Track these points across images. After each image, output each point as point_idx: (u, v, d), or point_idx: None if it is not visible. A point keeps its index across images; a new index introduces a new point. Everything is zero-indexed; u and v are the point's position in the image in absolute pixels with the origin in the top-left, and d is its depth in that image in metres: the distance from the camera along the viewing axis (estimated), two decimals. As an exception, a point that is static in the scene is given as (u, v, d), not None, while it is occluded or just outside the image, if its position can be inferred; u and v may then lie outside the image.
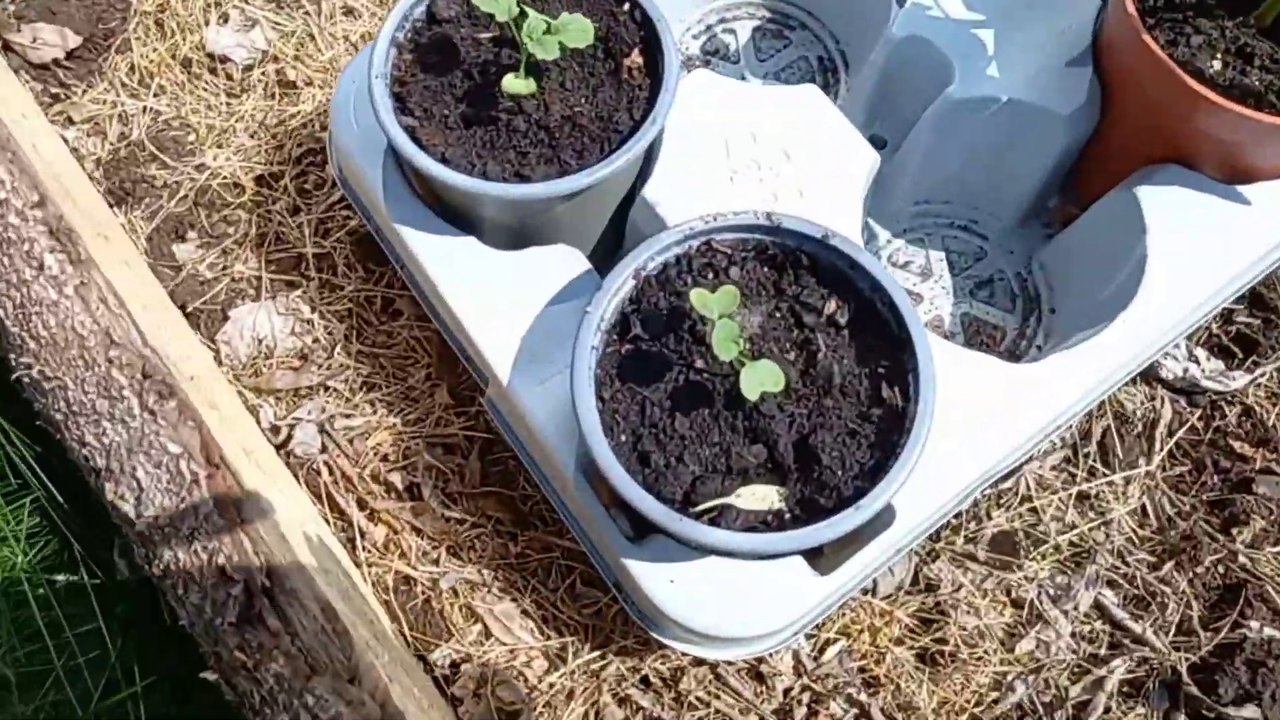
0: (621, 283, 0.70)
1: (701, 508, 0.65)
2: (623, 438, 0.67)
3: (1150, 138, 0.81)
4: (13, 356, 0.71)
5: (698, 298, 0.65)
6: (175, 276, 0.94)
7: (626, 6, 0.78)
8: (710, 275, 0.72)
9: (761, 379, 0.64)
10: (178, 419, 0.66)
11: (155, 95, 1.01)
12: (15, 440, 0.82)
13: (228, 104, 1.01)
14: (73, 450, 0.65)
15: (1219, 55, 0.79)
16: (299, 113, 0.99)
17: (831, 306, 0.70)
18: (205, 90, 1.01)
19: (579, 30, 0.72)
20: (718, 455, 0.67)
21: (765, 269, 0.72)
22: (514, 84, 0.72)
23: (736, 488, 0.67)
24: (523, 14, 0.71)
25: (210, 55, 1.02)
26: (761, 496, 0.67)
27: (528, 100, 0.74)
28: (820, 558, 0.72)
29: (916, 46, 0.84)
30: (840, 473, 0.66)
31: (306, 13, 1.04)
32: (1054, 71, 0.83)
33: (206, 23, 1.03)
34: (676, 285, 0.71)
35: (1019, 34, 0.84)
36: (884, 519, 0.71)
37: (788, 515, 0.66)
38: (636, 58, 0.77)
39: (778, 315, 0.70)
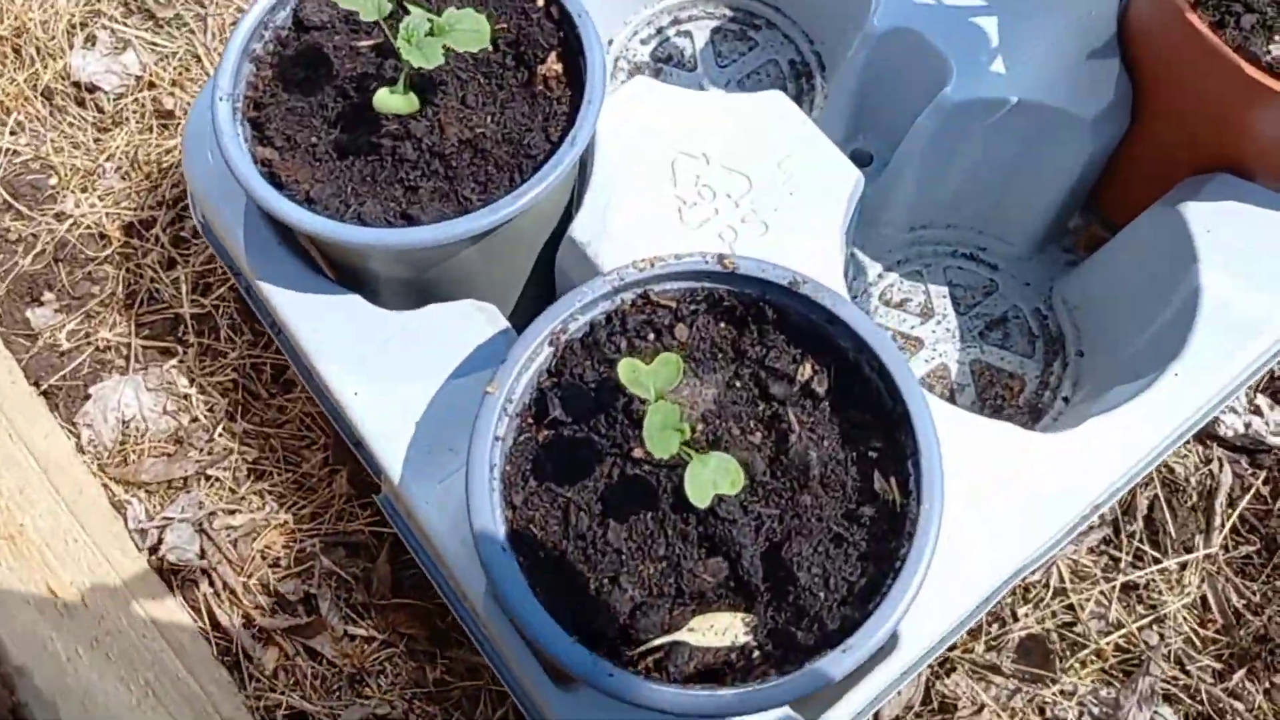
0: (534, 350, 0.54)
1: (644, 647, 0.49)
2: (539, 554, 0.52)
3: (1196, 141, 0.66)
4: None
5: (627, 371, 0.50)
6: (30, 347, 0.78)
7: (540, 2, 0.63)
8: (650, 336, 0.56)
9: (715, 478, 0.48)
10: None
11: (12, 133, 0.86)
12: None
13: (96, 140, 0.86)
14: None
15: (1278, 38, 0.64)
16: (177, 146, 0.84)
17: (806, 372, 0.55)
18: (71, 125, 0.86)
19: (471, 31, 0.56)
20: (665, 574, 0.51)
21: (720, 325, 0.56)
22: (389, 100, 0.57)
23: (689, 617, 0.51)
24: (401, 11, 0.56)
25: (76, 84, 0.87)
26: (722, 628, 0.51)
27: (415, 122, 0.59)
28: (804, 701, 0.56)
29: (904, 40, 0.69)
30: (823, 595, 0.50)
31: (190, 30, 0.90)
32: (1073, 66, 0.68)
33: (71, 46, 0.88)
34: (606, 351, 0.55)
35: (1028, 22, 0.69)
36: (884, 646, 0.55)
37: (756, 652, 0.50)
38: (554, 64, 0.62)
39: (737, 385, 0.55)
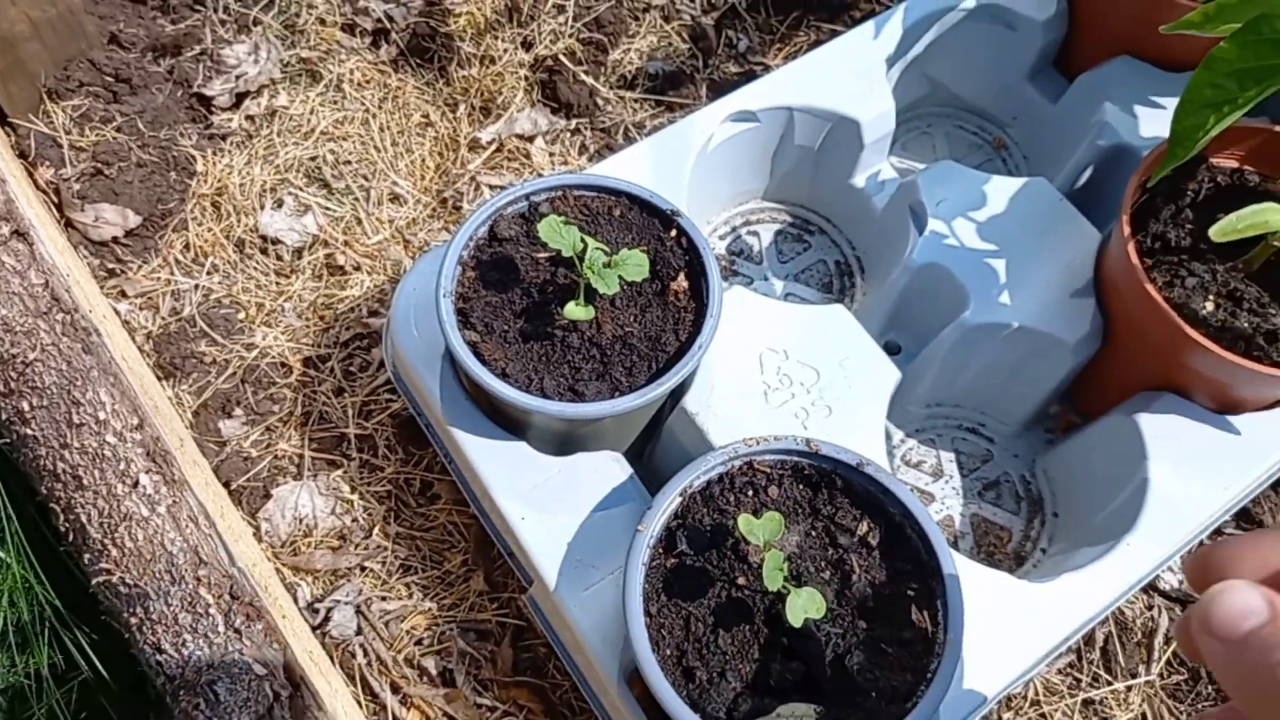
0: (670, 500, 0.74)
1: None
2: (668, 651, 0.71)
3: (1148, 368, 0.88)
4: (88, 558, 0.74)
5: (745, 524, 0.70)
6: (220, 452, 0.97)
7: (674, 233, 0.85)
8: (750, 493, 0.76)
9: (805, 606, 0.68)
10: (263, 640, 0.68)
11: (208, 273, 1.06)
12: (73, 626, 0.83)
13: (277, 284, 1.06)
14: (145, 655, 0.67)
15: (1211, 297, 0.87)
16: (347, 296, 1.05)
17: (864, 528, 0.75)
18: (256, 270, 1.07)
19: (636, 265, 0.78)
20: (759, 672, 0.71)
21: (801, 487, 0.77)
22: (575, 311, 0.78)
23: (775, 707, 0.70)
24: (585, 246, 0.78)
25: (263, 237, 1.08)
26: (800, 714, 0.71)
27: (584, 322, 0.80)
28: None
29: (936, 273, 0.91)
30: (874, 694, 0.70)
31: (355, 199, 1.11)
32: (1061, 301, 0.90)
33: (261, 206, 1.09)
34: (719, 502, 0.75)
35: (1028, 265, 0.91)
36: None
37: None
38: (682, 282, 0.84)
39: (813, 534, 0.75)
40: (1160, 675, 0.91)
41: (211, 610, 0.68)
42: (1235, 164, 0.91)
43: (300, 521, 0.95)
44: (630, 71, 1.21)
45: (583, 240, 0.78)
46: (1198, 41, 0.77)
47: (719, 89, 1.19)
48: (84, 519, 0.72)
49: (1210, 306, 0.86)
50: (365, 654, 0.90)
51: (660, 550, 0.74)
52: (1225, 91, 0.70)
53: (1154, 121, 0.98)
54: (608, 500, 0.81)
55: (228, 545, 0.73)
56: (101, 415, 0.73)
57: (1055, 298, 0.90)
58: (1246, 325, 0.85)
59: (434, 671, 0.90)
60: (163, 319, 1.03)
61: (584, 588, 0.78)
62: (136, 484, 0.72)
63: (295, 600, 0.91)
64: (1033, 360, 0.92)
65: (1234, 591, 0.41)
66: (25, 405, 0.75)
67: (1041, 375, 0.93)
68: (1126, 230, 0.84)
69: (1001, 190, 0.94)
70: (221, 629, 0.68)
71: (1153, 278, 0.85)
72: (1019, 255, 0.92)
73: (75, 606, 0.83)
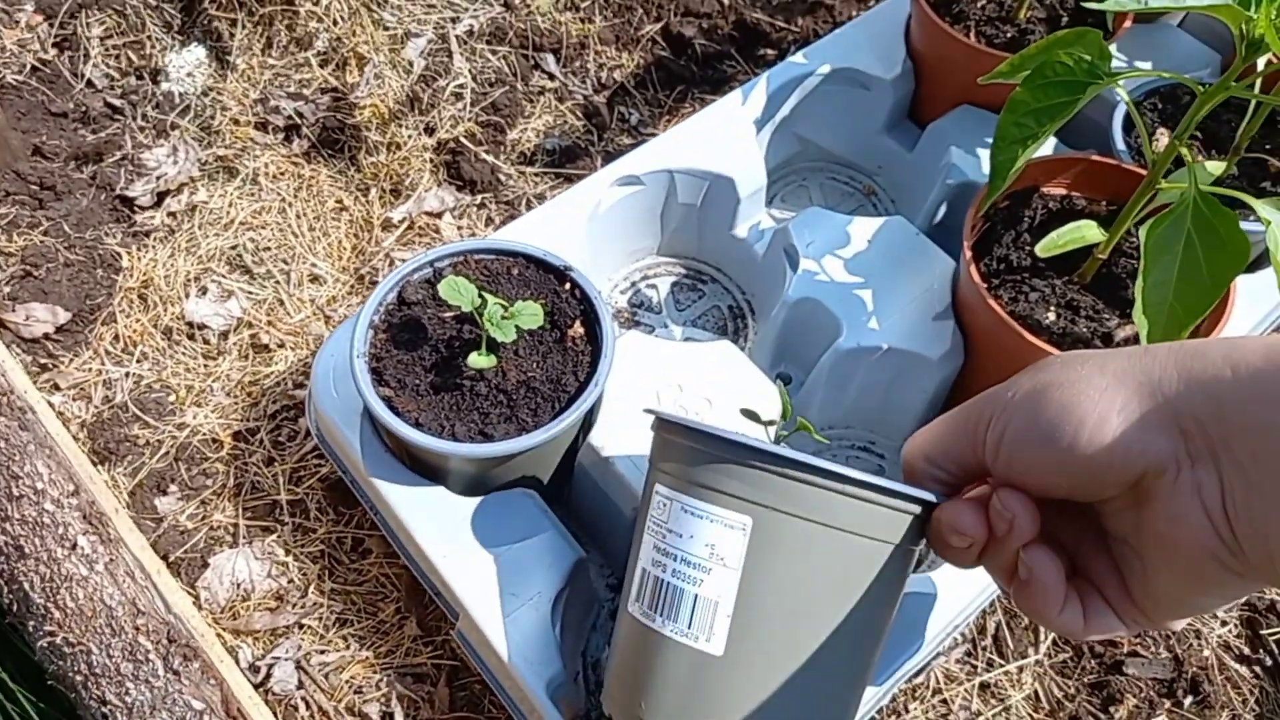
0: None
1: None
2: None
3: (1006, 375, 0.98)
4: (32, 624, 0.78)
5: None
6: (157, 528, 1.02)
7: (568, 286, 0.94)
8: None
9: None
10: (200, 678, 0.73)
11: (138, 361, 1.12)
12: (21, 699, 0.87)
13: (205, 366, 1.12)
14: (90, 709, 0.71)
15: (1053, 308, 0.97)
16: (273, 372, 1.11)
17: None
18: (184, 354, 1.13)
19: (531, 315, 0.86)
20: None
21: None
22: (478, 360, 0.85)
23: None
24: (483, 302, 0.86)
25: (189, 323, 1.14)
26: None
27: (489, 370, 0.88)
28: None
29: (810, 306, 1.01)
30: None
31: (277, 281, 1.18)
32: (924, 323, 1.00)
33: (186, 295, 1.15)
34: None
35: (893, 293, 1.01)
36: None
37: None
38: (579, 328, 0.92)
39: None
40: (1048, 655, 0.99)
41: (151, 655, 0.73)
42: (1064, 191, 1.03)
43: (238, 586, 0.99)
44: (529, 149, 1.31)
45: (481, 296, 0.86)
46: (1012, 88, 0.89)
47: (614, 159, 1.30)
48: (27, 587, 0.77)
49: (1052, 316, 0.97)
50: (308, 706, 0.94)
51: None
52: (1027, 129, 0.81)
53: (994, 159, 1.10)
54: (522, 532, 0.88)
55: (164, 595, 0.78)
56: (39, 485, 0.78)
57: (919, 320, 1.00)
58: (1085, 330, 0.95)
59: (375, 717, 0.94)
60: (96, 407, 1.08)
61: (505, 615, 0.84)
62: (75, 546, 0.77)
63: (237, 661, 0.96)
64: (904, 378, 1.01)
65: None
66: (-34, 486, 0.79)
67: (914, 391, 1.03)
68: (969, 255, 0.95)
69: (864, 229, 1.05)
70: (161, 672, 0.72)
71: (998, 295, 0.96)
72: (883, 285, 1.02)
73: (22, 677, 0.86)
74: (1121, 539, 0.51)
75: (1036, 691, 0.97)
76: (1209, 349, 0.45)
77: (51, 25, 1.35)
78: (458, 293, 0.85)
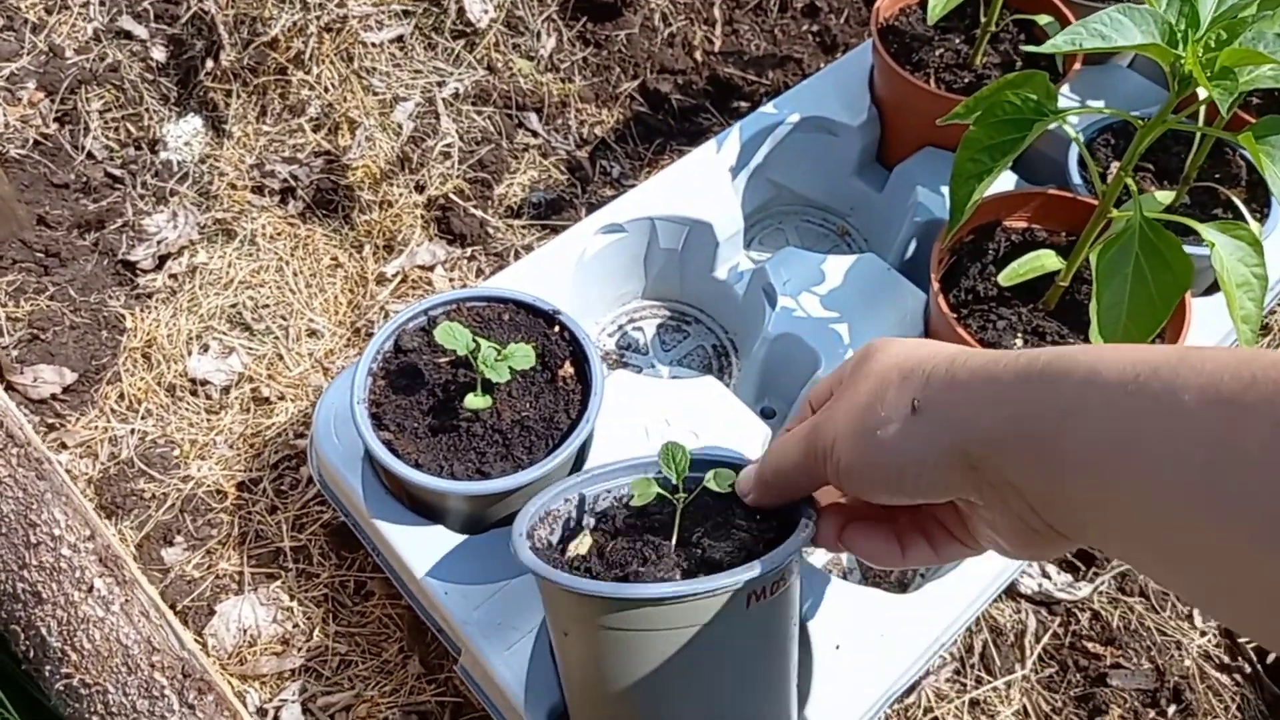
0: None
1: None
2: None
3: (978, 400, 1.03)
4: (49, 669, 0.80)
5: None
6: (164, 578, 1.05)
7: (557, 329, 0.98)
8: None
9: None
10: (215, 710, 0.76)
11: (142, 418, 1.15)
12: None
13: (208, 420, 1.16)
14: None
15: (1020, 335, 1.02)
16: (274, 424, 1.15)
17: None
18: (187, 410, 1.16)
19: (523, 356, 0.90)
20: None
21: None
22: (474, 401, 0.89)
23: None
24: (477, 345, 0.90)
25: (192, 380, 1.18)
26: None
27: (484, 411, 0.92)
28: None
29: (789, 341, 1.05)
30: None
31: (276, 337, 1.22)
32: (897, 353, 1.04)
33: (189, 353, 1.19)
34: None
35: (866, 325, 1.06)
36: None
37: None
38: (569, 368, 0.96)
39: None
40: (1034, 670, 1.02)
41: (166, 691, 0.76)
42: (1025, 224, 1.08)
43: (244, 632, 1.02)
44: (515, 203, 1.36)
45: (475, 340, 0.90)
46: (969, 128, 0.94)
47: (597, 210, 1.35)
48: (44, 632, 0.79)
49: (1019, 343, 1.02)
50: (314, 747, 0.96)
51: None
52: (981, 164, 0.87)
53: (958, 197, 1.16)
54: (519, 567, 0.91)
55: (178, 633, 0.80)
56: (57, 531, 0.82)
57: (893, 351, 1.05)
58: (1051, 354, 1.00)
59: (380, 755, 0.96)
60: (102, 464, 1.12)
61: (506, 647, 0.87)
62: (92, 589, 0.80)
63: (245, 706, 0.98)
64: (882, 406, 1.05)
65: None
66: (-15, 538, 0.82)
67: (893, 419, 1.07)
68: (936, 287, 1.00)
69: (837, 267, 1.10)
70: (176, 707, 0.75)
71: (967, 324, 1.01)
72: (857, 318, 1.07)
73: None
74: (961, 509, 0.59)
75: (1025, 706, 0.99)
76: (969, 390, 0.50)
77: (53, 101, 1.40)
78: (453, 337, 0.89)
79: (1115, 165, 1.13)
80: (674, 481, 0.73)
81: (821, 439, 0.59)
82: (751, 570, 0.61)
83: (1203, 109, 0.96)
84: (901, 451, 0.53)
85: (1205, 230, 0.83)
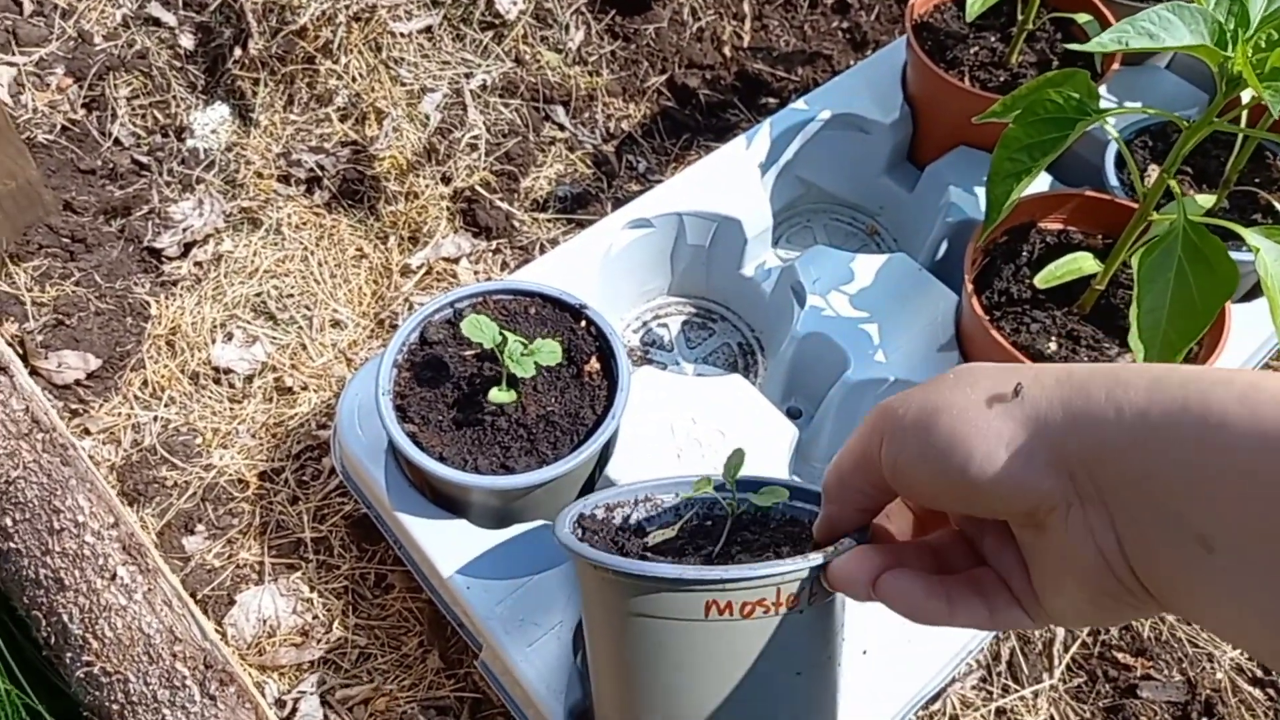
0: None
1: None
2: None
3: (1010, 404, 1.01)
4: (69, 655, 0.80)
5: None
6: (184, 567, 1.04)
7: (584, 324, 0.97)
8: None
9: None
10: (236, 703, 0.75)
11: (165, 405, 1.15)
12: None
13: (231, 409, 1.15)
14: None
15: (1054, 338, 1.00)
16: (296, 414, 1.14)
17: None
18: (210, 398, 1.16)
19: (550, 352, 0.89)
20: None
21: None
22: (499, 395, 0.88)
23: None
24: (503, 339, 0.89)
25: (215, 368, 1.18)
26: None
27: (509, 405, 0.91)
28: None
29: (818, 341, 1.04)
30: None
31: (300, 327, 1.22)
32: (929, 355, 1.03)
33: (213, 341, 1.19)
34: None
35: (897, 327, 1.05)
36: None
37: None
38: (595, 364, 0.95)
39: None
40: (1062, 680, 1.00)
41: (188, 682, 0.75)
42: (1061, 225, 1.06)
43: (264, 623, 1.02)
44: (542, 196, 1.35)
45: (501, 334, 0.89)
46: (1005, 127, 0.93)
47: (623, 205, 1.34)
48: (65, 619, 0.79)
49: (1054, 346, 1.00)
50: (332, 740, 0.96)
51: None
52: (1020, 164, 0.85)
53: (992, 197, 1.14)
54: (542, 563, 0.90)
55: (201, 623, 0.80)
56: (80, 518, 0.81)
57: (923, 352, 1.03)
58: (1086, 359, 0.98)
59: (398, 749, 0.96)
60: (125, 451, 1.11)
61: (528, 644, 0.86)
62: (114, 576, 0.80)
63: (264, 697, 0.97)
64: (911, 408, 1.04)
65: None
66: (8, 521, 0.82)
67: (921, 421, 1.05)
68: (970, 289, 0.98)
69: (868, 266, 1.08)
70: (198, 698, 0.74)
71: (1000, 326, 0.99)
72: (888, 319, 1.05)
73: (59, 716, 0.88)
74: (1025, 544, 0.49)
75: (1052, 716, 0.98)
76: (1093, 384, 0.42)
77: (81, 87, 1.40)
78: (480, 330, 0.88)
79: (1153, 168, 1.11)
80: (727, 485, 0.70)
81: (887, 414, 0.49)
82: (776, 566, 0.56)
83: (1245, 111, 0.94)
84: (987, 432, 0.44)
85: (1249, 235, 0.82)
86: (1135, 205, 1.01)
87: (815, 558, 0.56)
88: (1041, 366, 0.45)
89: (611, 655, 0.67)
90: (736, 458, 0.69)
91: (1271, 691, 1.01)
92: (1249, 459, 0.37)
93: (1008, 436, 0.43)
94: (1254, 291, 1.08)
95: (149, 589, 0.80)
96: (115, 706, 0.75)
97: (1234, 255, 0.82)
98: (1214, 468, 0.38)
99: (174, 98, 1.40)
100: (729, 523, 0.69)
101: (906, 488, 0.49)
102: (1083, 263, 0.95)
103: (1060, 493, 0.42)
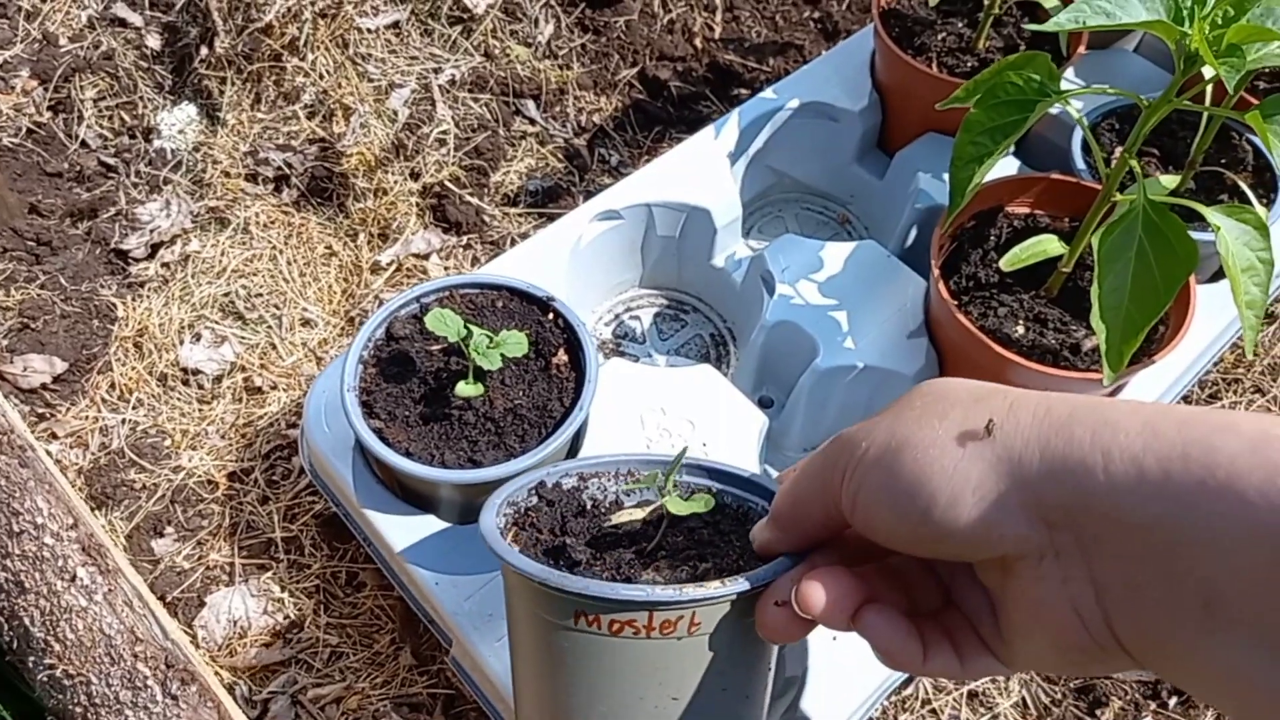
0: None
1: None
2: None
3: (979, 389, 1.01)
4: (32, 660, 0.79)
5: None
6: (154, 570, 1.03)
7: (551, 316, 0.96)
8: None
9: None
10: (198, 702, 0.75)
11: (133, 408, 1.14)
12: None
13: (199, 410, 1.14)
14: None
15: (1021, 322, 1.00)
16: (266, 414, 1.13)
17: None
18: (179, 400, 1.15)
19: (516, 343, 0.89)
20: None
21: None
22: (465, 389, 0.88)
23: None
24: (469, 333, 0.89)
25: (183, 369, 1.17)
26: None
27: (476, 399, 0.90)
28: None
29: (788, 329, 1.04)
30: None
31: (269, 326, 1.21)
32: (898, 341, 1.03)
33: (180, 342, 1.18)
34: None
35: (866, 314, 1.04)
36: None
37: None
38: (562, 356, 0.95)
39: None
40: (1035, 664, 1.00)
41: (149, 682, 0.74)
42: (1028, 209, 1.06)
43: (235, 624, 1.01)
44: (512, 191, 1.34)
45: (467, 327, 0.88)
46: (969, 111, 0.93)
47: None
48: (27, 622, 0.78)
49: (1021, 330, 1.00)
50: (305, 740, 0.95)
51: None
52: (983, 147, 0.85)
53: (960, 183, 1.14)
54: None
55: (161, 623, 0.79)
56: (39, 520, 0.81)
57: (893, 339, 1.03)
58: (1054, 342, 0.98)
59: (372, 748, 0.95)
60: (93, 454, 1.11)
61: (496, 639, 0.85)
62: (74, 578, 0.79)
63: (234, 698, 0.97)
64: (881, 395, 1.04)
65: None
66: (-33, 527, 0.81)
67: (892, 408, 1.05)
68: (937, 274, 0.98)
69: (837, 254, 1.08)
70: (160, 698, 0.74)
71: (967, 311, 0.99)
72: (857, 306, 1.05)
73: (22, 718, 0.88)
74: (992, 588, 0.46)
75: (1024, 698, 0.98)
76: (1076, 424, 0.39)
77: (46, 89, 1.39)
78: (444, 324, 0.87)
79: (1120, 150, 1.11)
80: (664, 484, 0.68)
81: (849, 446, 0.46)
82: (656, 593, 0.51)
83: (1209, 90, 0.94)
84: (954, 474, 0.40)
85: (1210, 214, 0.82)
86: (1099, 187, 1.01)
87: (702, 591, 0.51)
88: (1018, 396, 0.42)
89: (514, 640, 0.65)
90: (682, 455, 0.67)
91: (1245, 670, 1.01)
92: (1272, 518, 0.34)
93: (975, 480, 0.40)
94: (1220, 273, 1.09)
95: (109, 589, 0.80)
96: (79, 709, 0.75)
97: (1197, 235, 0.82)
98: (1225, 525, 0.35)
99: (141, 98, 1.39)
100: (664, 523, 0.67)
101: (866, 526, 0.46)
102: (1047, 245, 0.95)
103: (1034, 542, 0.40)
